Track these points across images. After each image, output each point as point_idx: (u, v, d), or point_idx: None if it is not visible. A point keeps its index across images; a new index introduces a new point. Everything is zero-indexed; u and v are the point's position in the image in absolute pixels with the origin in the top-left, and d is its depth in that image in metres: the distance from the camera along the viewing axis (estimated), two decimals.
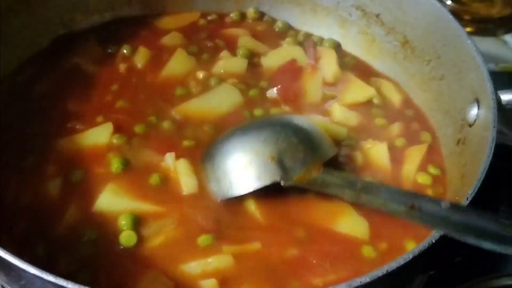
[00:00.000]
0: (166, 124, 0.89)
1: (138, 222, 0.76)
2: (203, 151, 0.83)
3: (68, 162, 0.83)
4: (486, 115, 0.80)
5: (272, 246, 0.75)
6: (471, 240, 0.64)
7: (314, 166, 0.77)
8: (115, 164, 0.82)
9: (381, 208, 0.71)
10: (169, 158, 0.83)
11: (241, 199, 0.78)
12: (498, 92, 0.81)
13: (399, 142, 0.91)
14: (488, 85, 0.81)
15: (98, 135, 0.86)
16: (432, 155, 0.90)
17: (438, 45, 0.95)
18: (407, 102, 0.99)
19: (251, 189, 0.77)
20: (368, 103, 0.97)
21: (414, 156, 0.89)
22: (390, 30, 1.04)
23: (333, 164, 0.81)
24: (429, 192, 0.85)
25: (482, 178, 0.71)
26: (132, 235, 0.74)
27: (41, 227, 0.76)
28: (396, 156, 0.89)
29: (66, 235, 0.75)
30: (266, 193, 0.78)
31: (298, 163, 0.77)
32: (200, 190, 0.80)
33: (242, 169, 0.77)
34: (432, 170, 0.88)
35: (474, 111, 0.84)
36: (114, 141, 0.85)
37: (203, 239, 0.74)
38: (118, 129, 0.87)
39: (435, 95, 0.96)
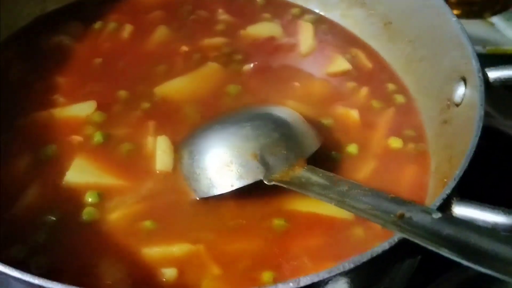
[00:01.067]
0: (148, 102, 0.87)
1: (103, 196, 0.75)
2: (180, 145, 0.80)
3: (41, 137, 0.81)
4: (473, 94, 0.77)
5: (243, 237, 0.73)
6: (466, 261, 0.55)
7: (297, 162, 0.75)
8: (95, 138, 0.81)
9: (369, 218, 0.65)
10: (150, 134, 0.82)
11: (219, 196, 0.75)
12: (485, 69, 0.79)
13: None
14: (474, 63, 0.78)
15: (78, 111, 0.85)
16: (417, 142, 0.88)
17: (421, 24, 0.92)
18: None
19: (233, 188, 0.73)
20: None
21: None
22: (372, 12, 1.02)
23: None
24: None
25: (470, 158, 0.68)
26: (93, 210, 0.73)
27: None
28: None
29: (25, 215, 0.73)
30: (244, 188, 0.74)
31: (281, 159, 0.74)
32: (174, 170, 0.79)
33: (223, 167, 0.74)
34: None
35: (461, 91, 0.81)
36: (94, 117, 0.84)
37: (147, 224, 0.73)
38: (99, 104, 0.86)
39: (418, 77, 0.93)
